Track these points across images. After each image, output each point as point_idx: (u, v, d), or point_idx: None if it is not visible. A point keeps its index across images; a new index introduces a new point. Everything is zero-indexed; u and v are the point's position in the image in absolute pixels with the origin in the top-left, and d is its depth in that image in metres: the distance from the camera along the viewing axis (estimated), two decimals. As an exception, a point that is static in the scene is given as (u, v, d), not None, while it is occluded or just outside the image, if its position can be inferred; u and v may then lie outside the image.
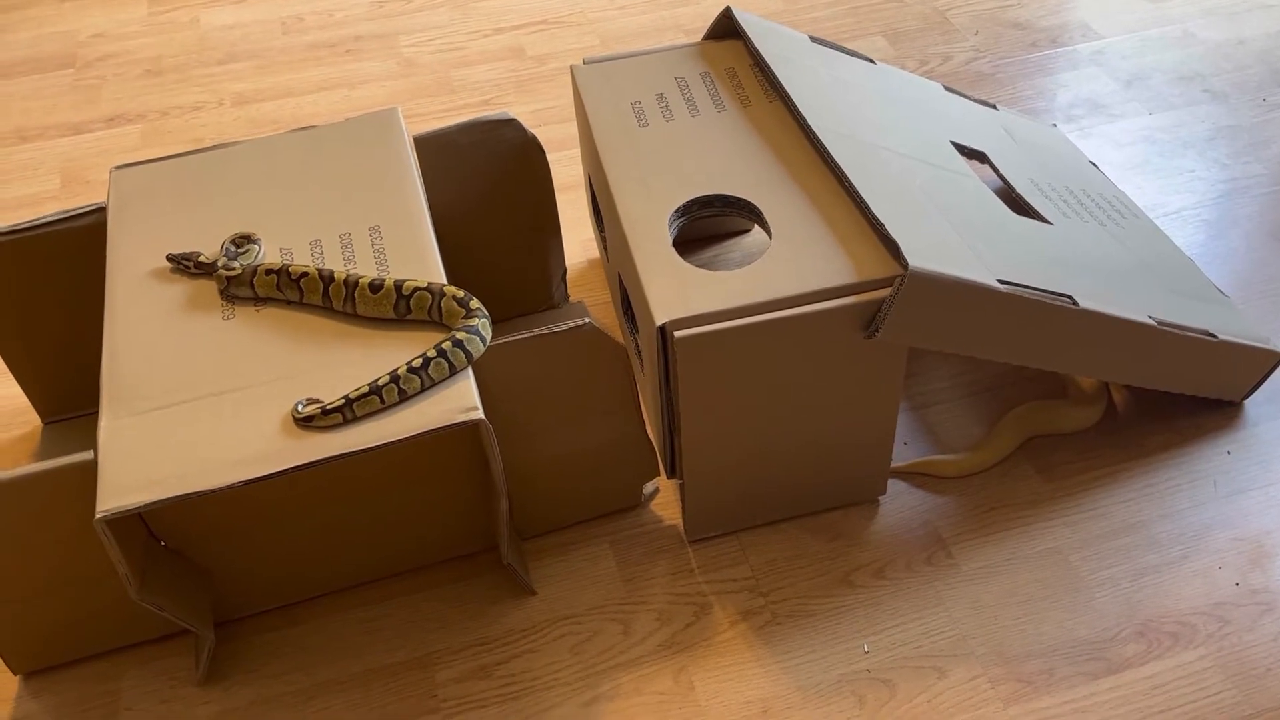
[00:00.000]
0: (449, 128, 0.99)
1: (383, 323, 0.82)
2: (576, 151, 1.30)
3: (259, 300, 0.85)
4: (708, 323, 0.79)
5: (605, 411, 0.87)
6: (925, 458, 0.98)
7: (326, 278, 0.82)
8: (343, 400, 0.75)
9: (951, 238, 0.85)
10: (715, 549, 0.94)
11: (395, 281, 0.81)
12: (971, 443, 1.00)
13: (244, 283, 0.84)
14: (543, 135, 1.40)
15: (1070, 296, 0.86)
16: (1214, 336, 0.95)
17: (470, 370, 0.79)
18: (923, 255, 0.80)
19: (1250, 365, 0.99)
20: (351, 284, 0.82)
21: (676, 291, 0.81)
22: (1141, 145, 1.33)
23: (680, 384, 0.81)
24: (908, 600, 0.90)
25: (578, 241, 1.23)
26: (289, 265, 0.84)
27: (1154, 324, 0.91)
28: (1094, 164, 1.23)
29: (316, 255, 0.87)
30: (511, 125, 1.01)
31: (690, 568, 0.93)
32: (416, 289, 0.81)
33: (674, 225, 0.89)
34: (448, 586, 0.92)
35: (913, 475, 0.98)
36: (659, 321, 0.79)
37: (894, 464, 0.98)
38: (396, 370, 0.76)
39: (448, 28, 1.60)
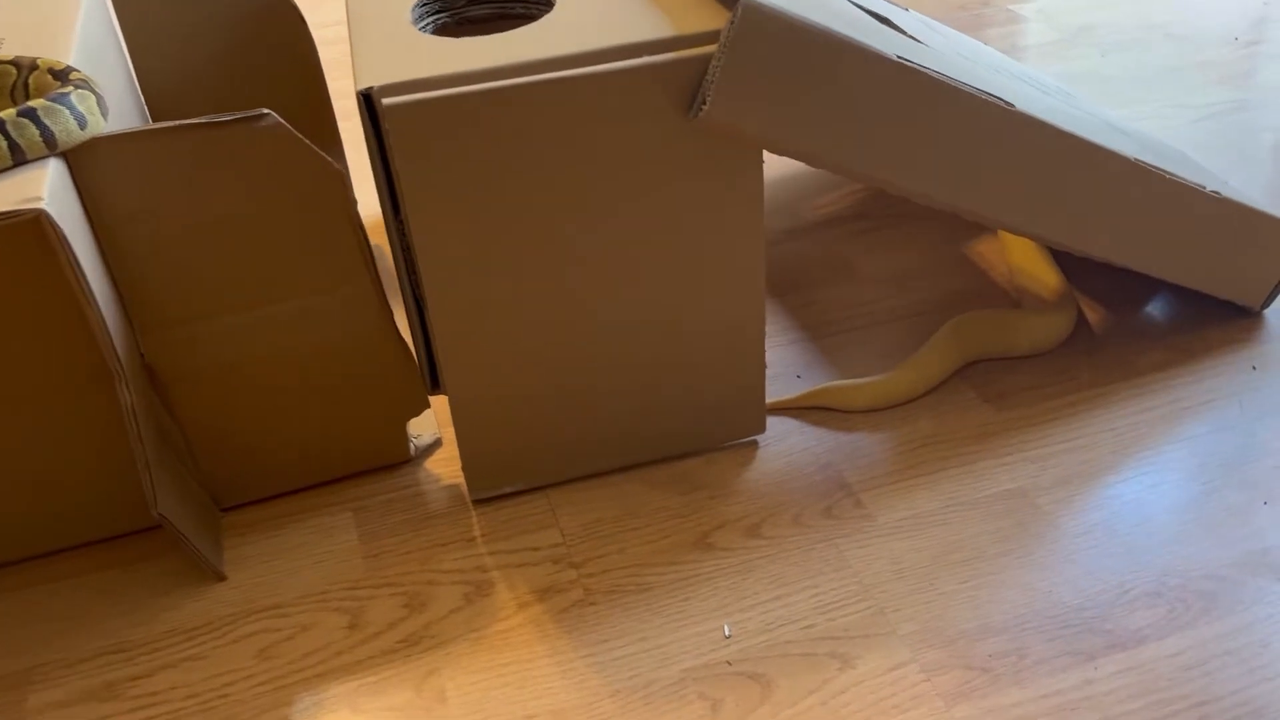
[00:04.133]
0: (158, -35, 0.74)
1: (-51, 122, 0.54)
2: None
3: None
4: (441, 87, 0.51)
5: (319, 275, 0.58)
6: (824, 385, 0.69)
7: None
8: None
9: (825, 11, 0.58)
10: (513, 510, 0.63)
11: (-33, 56, 0.53)
12: (889, 369, 0.71)
13: None
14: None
15: (1002, 99, 0.59)
16: (1218, 194, 0.68)
17: (59, 164, 0.50)
18: (771, -8, 0.52)
19: (1274, 248, 0.71)
20: (-98, 63, 0.53)
21: (401, 57, 0.53)
22: (1096, 82, 1.08)
23: (406, 196, 0.52)
24: (794, 564, 0.58)
25: (389, 191, 0.96)
26: None
27: (1132, 160, 0.63)
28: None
29: (-100, 70, 0.59)
30: (251, -30, 0.75)
31: (471, 536, 0.61)
32: (-4, 61, 0.53)
33: (427, 22, 0.61)
34: (99, 573, 0.61)
35: (808, 410, 0.69)
36: (362, 85, 0.51)
37: (782, 398, 0.68)
38: (-85, 144, 0.47)
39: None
